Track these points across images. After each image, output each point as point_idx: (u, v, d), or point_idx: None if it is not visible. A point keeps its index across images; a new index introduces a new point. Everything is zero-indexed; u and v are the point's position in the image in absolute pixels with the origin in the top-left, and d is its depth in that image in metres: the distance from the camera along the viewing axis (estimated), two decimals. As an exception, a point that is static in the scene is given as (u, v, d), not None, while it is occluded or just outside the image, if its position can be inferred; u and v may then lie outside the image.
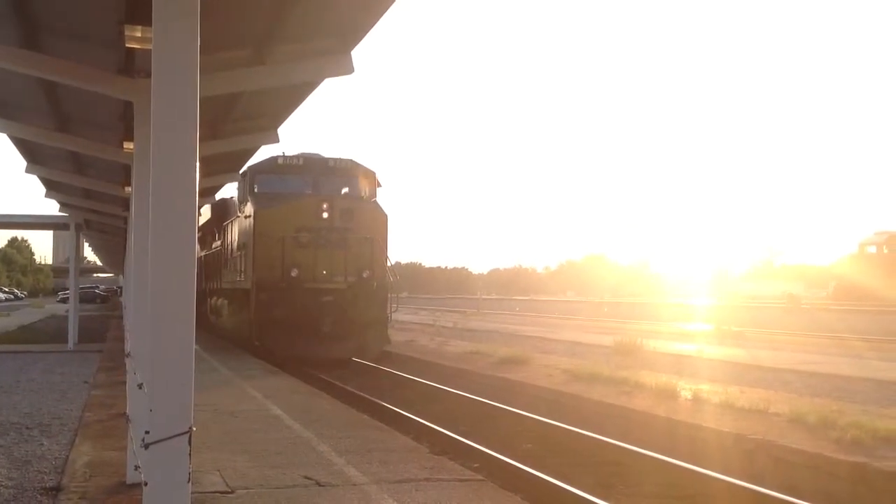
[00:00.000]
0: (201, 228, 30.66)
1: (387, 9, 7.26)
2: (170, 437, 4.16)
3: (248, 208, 22.35)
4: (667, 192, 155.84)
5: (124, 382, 10.39)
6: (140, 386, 6.65)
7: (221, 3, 6.35)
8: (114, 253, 42.07)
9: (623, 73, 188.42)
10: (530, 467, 9.74)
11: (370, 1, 7.28)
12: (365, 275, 21.17)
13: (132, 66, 7.18)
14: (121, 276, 50.58)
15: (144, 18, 5.48)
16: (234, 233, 25.09)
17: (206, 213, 29.91)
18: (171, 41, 4.23)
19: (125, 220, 18.46)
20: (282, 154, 22.58)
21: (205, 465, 8.16)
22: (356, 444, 9.59)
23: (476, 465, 9.85)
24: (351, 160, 22.81)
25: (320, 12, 7.54)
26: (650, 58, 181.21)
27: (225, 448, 9.18)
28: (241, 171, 18.36)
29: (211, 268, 30.06)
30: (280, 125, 11.88)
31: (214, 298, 29.17)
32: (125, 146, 9.43)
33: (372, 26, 7.72)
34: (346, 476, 7.95)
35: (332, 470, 8.19)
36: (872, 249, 51.79)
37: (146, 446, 4.20)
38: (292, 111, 11.28)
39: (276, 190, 22.20)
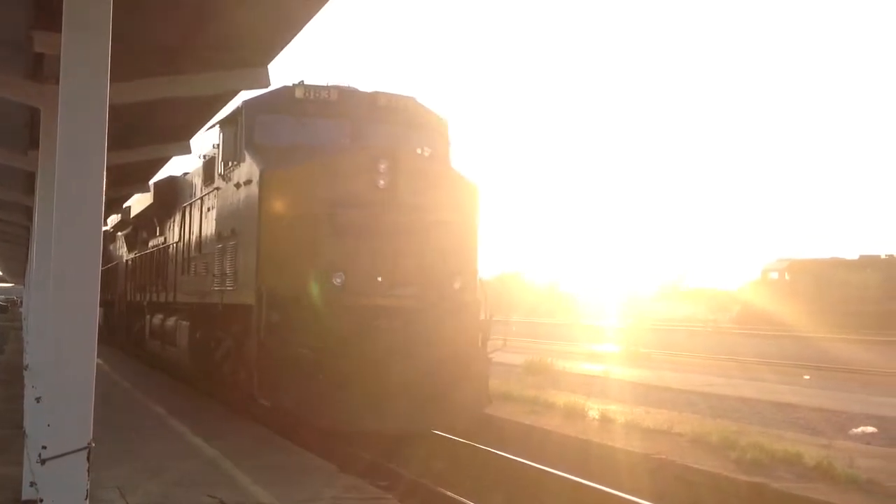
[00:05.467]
0: (131, 221, 23.91)
1: (304, 25, 7.31)
2: (68, 453, 4.06)
3: (245, 170, 12.83)
4: (579, 211, 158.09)
5: (22, 396, 10.05)
6: (38, 400, 6.46)
7: (134, 12, 6.26)
8: (15, 262, 40.75)
9: (533, 93, 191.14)
10: (440, 487, 9.75)
11: (286, 16, 7.30)
12: (456, 286, 12.60)
13: (41, 71, 7.02)
14: (22, 286, 48.97)
15: (54, 24, 5.36)
16: (204, 217, 15.64)
17: (142, 199, 20.85)
18: (81, 49, 4.15)
19: (28, 228, 17.91)
20: (300, 83, 13.11)
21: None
22: (264, 462, 9.46)
23: (384, 484, 9.82)
24: (412, 99, 13.86)
25: (236, 26, 7.51)
26: (559, 80, 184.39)
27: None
28: (225, 115, 13.07)
29: (151, 272, 20.77)
30: (193, 136, 11.75)
31: (160, 317, 18.91)
32: (30, 153, 9.19)
33: (289, 41, 7.78)
34: (252, 494, 7.83)
35: (237, 489, 8.07)
36: (775, 276, 53.51)
37: (43, 462, 4.08)
38: (206, 122, 11.20)
39: (292, 139, 12.92)
